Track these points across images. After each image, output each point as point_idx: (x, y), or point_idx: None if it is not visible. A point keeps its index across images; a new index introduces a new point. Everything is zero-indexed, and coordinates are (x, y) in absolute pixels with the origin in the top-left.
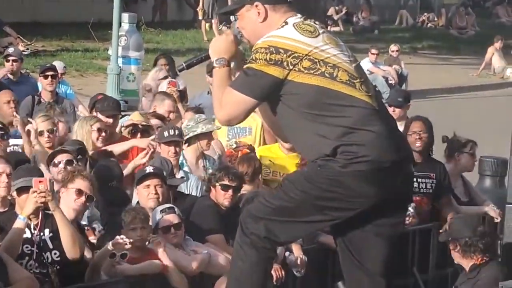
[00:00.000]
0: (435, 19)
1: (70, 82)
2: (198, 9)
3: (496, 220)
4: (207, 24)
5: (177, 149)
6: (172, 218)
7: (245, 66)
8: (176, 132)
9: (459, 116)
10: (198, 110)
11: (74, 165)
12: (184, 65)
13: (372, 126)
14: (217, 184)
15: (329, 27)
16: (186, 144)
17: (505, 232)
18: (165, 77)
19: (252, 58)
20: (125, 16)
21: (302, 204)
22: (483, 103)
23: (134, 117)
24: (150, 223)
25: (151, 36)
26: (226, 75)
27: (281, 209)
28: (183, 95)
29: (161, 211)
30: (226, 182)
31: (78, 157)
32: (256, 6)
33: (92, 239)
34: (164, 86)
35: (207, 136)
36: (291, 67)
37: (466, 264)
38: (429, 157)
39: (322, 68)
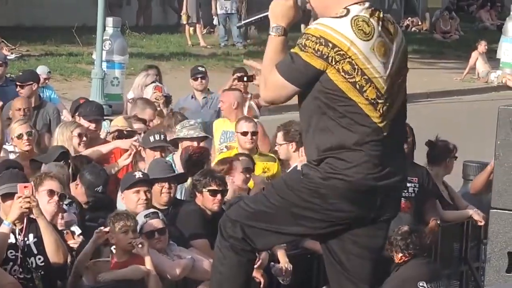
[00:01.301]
0: (419, 23)
1: (55, 86)
2: (182, 14)
3: (480, 224)
4: (191, 29)
5: (163, 154)
6: (156, 223)
7: (293, 50)
8: (162, 137)
9: (444, 120)
10: (181, 114)
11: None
12: (242, 23)
13: (369, 149)
14: (204, 190)
15: None
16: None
17: (489, 237)
18: (152, 83)
19: (301, 43)
20: (109, 20)
21: (280, 211)
22: (467, 108)
23: (119, 123)
24: None
25: (135, 41)
26: (280, 46)
27: (259, 214)
28: (168, 100)
29: (145, 216)
30: (214, 187)
31: (62, 162)
32: None
33: (72, 243)
34: (149, 91)
35: (189, 141)
36: (333, 63)
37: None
38: (412, 161)
39: (357, 77)
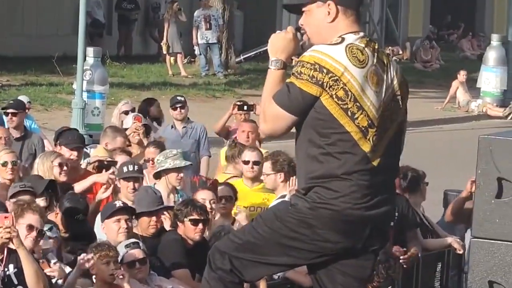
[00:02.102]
0: (400, 52)
1: (35, 116)
2: (162, 44)
3: (459, 252)
4: (172, 58)
5: (136, 185)
6: (137, 253)
7: (288, 80)
8: (136, 168)
9: (425, 150)
10: (160, 144)
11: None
12: (242, 58)
13: (357, 179)
14: (185, 219)
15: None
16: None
17: (470, 266)
18: (130, 111)
19: (297, 71)
20: (90, 50)
21: (268, 242)
22: (448, 137)
23: (99, 153)
24: None
25: (116, 70)
26: (279, 79)
27: (247, 245)
28: (148, 130)
29: (126, 246)
30: (195, 216)
31: (49, 191)
32: (328, 5)
33: (48, 271)
34: (129, 121)
35: (175, 171)
36: (327, 89)
37: None
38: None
39: (350, 104)
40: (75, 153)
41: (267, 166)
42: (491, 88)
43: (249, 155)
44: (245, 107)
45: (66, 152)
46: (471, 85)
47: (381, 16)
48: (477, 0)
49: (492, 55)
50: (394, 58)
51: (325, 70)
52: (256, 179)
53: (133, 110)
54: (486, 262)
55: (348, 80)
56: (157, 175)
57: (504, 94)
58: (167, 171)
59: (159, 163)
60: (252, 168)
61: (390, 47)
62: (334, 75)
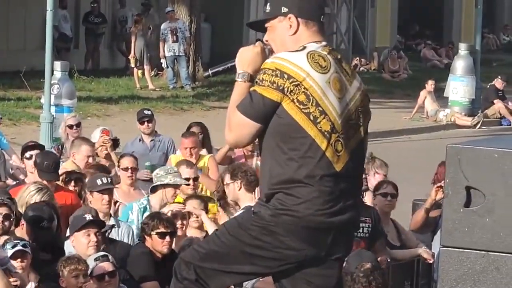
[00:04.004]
0: (368, 62)
1: (4, 131)
2: (130, 57)
3: (429, 262)
4: (140, 71)
5: (110, 197)
6: (107, 266)
7: (251, 89)
8: (109, 180)
9: (393, 160)
10: (134, 157)
11: (11, 219)
12: (210, 72)
13: (320, 185)
14: (152, 233)
15: None
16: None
17: (439, 274)
18: (78, 124)
19: (259, 78)
20: (57, 64)
21: (232, 251)
22: (417, 146)
23: (68, 166)
24: None
25: (83, 84)
26: (246, 92)
27: (211, 254)
28: (116, 143)
29: (95, 259)
30: (162, 229)
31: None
32: (289, 18)
33: (12, 281)
34: (97, 135)
35: (174, 187)
36: (288, 94)
37: None
38: (363, 201)
39: (312, 108)
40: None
41: (227, 177)
42: (459, 98)
43: (187, 172)
44: None
45: (37, 178)
46: (439, 94)
47: (348, 27)
48: (445, 10)
49: (460, 64)
50: (361, 68)
51: (286, 76)
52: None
53: (78, 125)
54: (455, 271)
55: (310, 85)
56: (154, 189)
57: (472, 103)
58: (166, 186)
59: (159, 177)
60: (194, 184)
61: (357, 58)
62: (295, 80)
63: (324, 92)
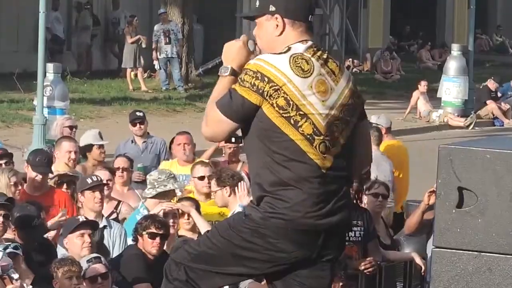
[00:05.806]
0: (360, 64)
1: None
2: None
3: (422, 267)
4: (132, 73)
5: (101, 194)
6: (99, 268)
7: (233, 86)
8: (99, 178)
9: None
10: (128, 158)
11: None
12: (201, 70)
13: (307, 187)
14: (144, 232)
15: None
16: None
17: (432, 275)
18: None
19: (241, 77)
20: (50, 66)
21: (223, 252)
22: (409, 147)
23: (59, 168)
24: None
25: (76, 86)
26: (228, 86)
27: (202, 255)
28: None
29: (88, 261)
30: (153, 230)
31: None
32: (276, 18)
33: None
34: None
35: (173, 193)
36: (267, 98)
37: None
38: (356, 204)
39: (292, 112)
40: (40, 176)
41: (213, 184)
42: (452, 98)
43: (203, 170)
44: (233, 139)
45: (31, 174)
46: (432, 95)
47: (341, 28)
48: (437, 11)
49: (452, 65)
50: (354, 69)
51: (266, 79)
52: (210, 194)
53: (75, 127)
54: (447, 272)
55: (290, 90)
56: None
57: (465, 104)
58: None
59: (161, 181)
60: (209, 183)
61: (350, 59)
62: (275, 84)
63: (305, 97)
